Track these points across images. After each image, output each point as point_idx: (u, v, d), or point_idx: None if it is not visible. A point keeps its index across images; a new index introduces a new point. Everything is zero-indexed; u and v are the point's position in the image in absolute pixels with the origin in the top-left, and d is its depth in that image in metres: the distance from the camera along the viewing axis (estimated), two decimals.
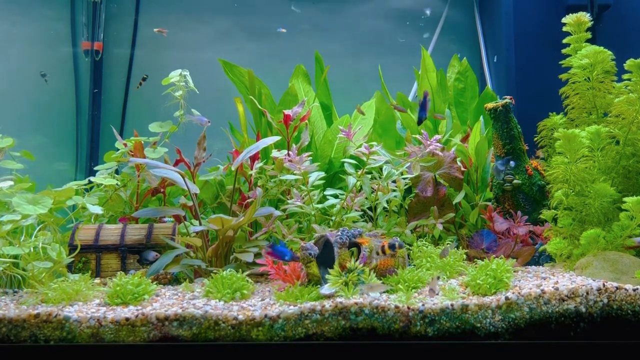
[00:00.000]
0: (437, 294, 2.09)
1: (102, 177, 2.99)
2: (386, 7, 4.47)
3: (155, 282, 2.29)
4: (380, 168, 2.94)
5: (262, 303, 2.11)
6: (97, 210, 2.64)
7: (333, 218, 2.84)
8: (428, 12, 4.05)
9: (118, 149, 3.12)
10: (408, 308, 1.97)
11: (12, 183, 2.50)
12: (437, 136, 2.91)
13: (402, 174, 2.92)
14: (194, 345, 1.95)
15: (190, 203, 2.96)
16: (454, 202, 3.01)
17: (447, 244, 2.69)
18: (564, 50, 3.00)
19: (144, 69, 4.24)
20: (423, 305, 1.98)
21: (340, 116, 3.65)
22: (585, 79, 2.87)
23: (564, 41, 2.99)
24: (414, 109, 3.75)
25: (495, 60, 3.94)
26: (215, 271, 2.30)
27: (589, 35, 2.96)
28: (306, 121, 3.08)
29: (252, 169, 2.96)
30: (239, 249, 2.68)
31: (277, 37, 4.37)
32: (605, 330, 1.98)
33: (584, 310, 1.99)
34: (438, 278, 2.09)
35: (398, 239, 2.44)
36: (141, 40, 4.29)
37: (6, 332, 1.96)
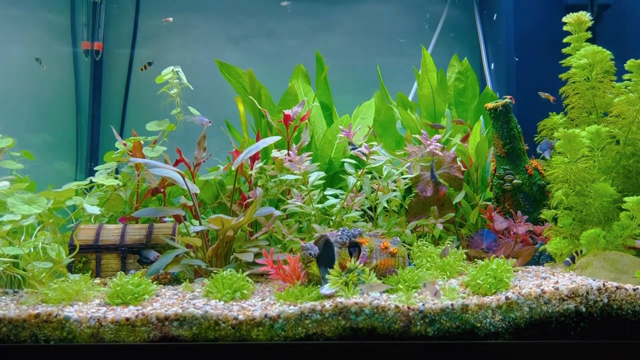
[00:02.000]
0: (439, 295, 2.08)
1: (103, 177, 2.99)
2: (386, 6, 4.47)
3: (155, 282, 2.29)
4: (381, 168, 2.94)
5: (262, 303, 2.11)
6: (95, 211, 2.64)
7: (333, 218, 2.84)
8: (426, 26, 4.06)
9: (118, 149, 3.12)
10: (408, 308, 1.97)
11: (8, 183, 2.50)
12: (437, 136, 2.91)
13: (402, 173, 2.92)
14: (194, 345, 1.95)
15: (190, 203, 2.96)
16: (454, 202, 3.01)
17: (448, 243, 2.69)
18: (564, 50, 3.00)
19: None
20: (423, 305, 1.98)
21: (340, 116, 3.65)
22: (584, 79, 2.87)
23: (565, 40, 2.99)
24: (414, 108, 3.76)
25: (492, 67, 3.93)
26: (215, 271, 2.30)
27: (589, 34, 2.96)
28: (306, 121, 3.08)
29: (252, 169, 2.96)
30: (239, 249, 2.68)
31: (277, 37, 4.37)
32: (606, 330, 1.98)
33: (584, 310, 1.99)
34: (434, 284, 2.07)
35: (398, 238, 2.44)
36: (141, 40, 4.30)
37: (6, 332, 1.96)
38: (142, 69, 3.74)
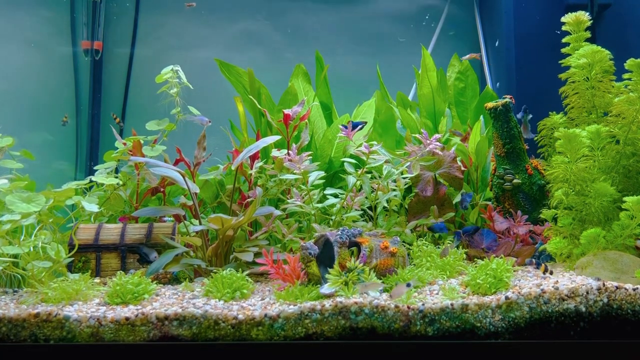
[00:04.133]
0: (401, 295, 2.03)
1: (103, 176, 2.99)
2: (386, 6, 4.47)
3: (155, 282, 2.29)
4: (380, 167, 2.94)
5: (262, 302, 2.11)
6: (94, 208, 2.64)
7: (333, 217, 2.84)
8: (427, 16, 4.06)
9: (118, 148, 3.12)
10: (408, 307, 1.97)
11: (7, 181, 2.50)
12: (437, 135, 2.91)
13: (402, 173, 2.92)
14: (194, 345, 1.95)
15: (190, 202, 2.96)
16: (454, 202, 3.01)
17: (448, 243, 2.69)
18: (563, 50, 3.00)
19: (144, 68, 4.24)
20: (423, 304, 1.98)
21: (340, 115, 3.65)
22: (584, 79, 2.87)
23: (564, 40, 2.99)
24: (414, 108, 3.75)
25: (497, 45, 3.89)
26: (215, 270, 2.30)
27: (588, 34, 2.95)
28: (306, 120, 3.08)
29: (252, 169, 2.96)
30: (238, 249, 2.68)
31: (277, 37, 4.36)
32: (605, 330, 1.98)
33: (583, 309, 1.99)
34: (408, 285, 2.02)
35: (397, 238, 2.44)
36: (141, 39, 4.29)
37: (6, 332, 1.96)
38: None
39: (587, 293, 2.00)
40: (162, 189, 3.09)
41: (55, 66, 4.16)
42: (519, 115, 2.99)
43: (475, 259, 2.53)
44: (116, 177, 3.00)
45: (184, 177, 2.63)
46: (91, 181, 2.96)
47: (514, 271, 2.40)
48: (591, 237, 2.44)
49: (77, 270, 2.59)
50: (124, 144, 3.09)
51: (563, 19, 2.98)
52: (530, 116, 2.91)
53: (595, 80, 2.84)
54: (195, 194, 2.74)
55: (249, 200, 2.91)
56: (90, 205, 2.63)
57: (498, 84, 3.99)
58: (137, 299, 2.13)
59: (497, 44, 3.91)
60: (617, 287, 2.01)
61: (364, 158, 2.80)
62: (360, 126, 3.00)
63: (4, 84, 4.01)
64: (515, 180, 2.96)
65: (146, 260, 2.58)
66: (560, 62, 2.98)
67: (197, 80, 3.33)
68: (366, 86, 4.07)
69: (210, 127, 3.14)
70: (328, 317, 1.96)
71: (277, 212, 2.71)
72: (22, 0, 4.08)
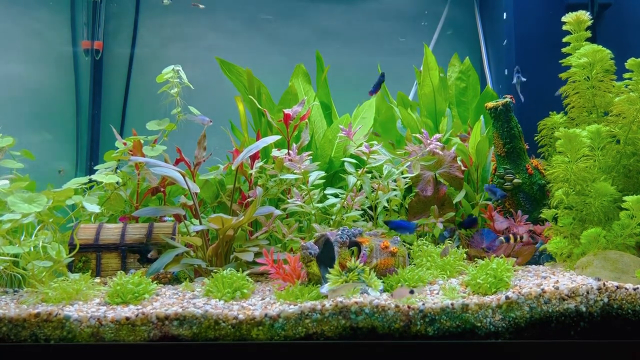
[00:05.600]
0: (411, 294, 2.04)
1: (103, 174, 2.98)
2: (387, 6, 4.46)
3: (155, 282, 2.29)
4: (381, 167, 2.94)
5: (263, 302, 2.11)
6: (95, 209, 2.64)
7: (333, 217, 2.84)
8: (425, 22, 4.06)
9: (118, 148, 3.12)
10: (408, 307, 1.97)
11: (8, 182, 2.50)
12: (437, 135, 2.91)
13: (402, 173, 2.92)
14: (194, 345, 1.95)
15: (190, 202, 2.96)
16: (454, 201, 3.01)
17: (448, 243, 2.69)
18: (564, 49, 3.00)
19: (144, 68, 4.24)
20: (423, 304, 1.98)
21: (340, 115, 3.64)
22: (584, 78, 2.86)
23: (564, 40, 2.99)
24: (414, 107, 3.75)
25: (504, 44, 3.88)
26: (215, 270, 2.30)
27: (588, 34, 2.95)
28: (306, 120, 3.08)
29: (252, 168, 2.96)
30: (239, 248, 2.68)
31: (278, 37, 4.37)
32: (606, 330, 1.98)
33: (584, 309, 1.99)
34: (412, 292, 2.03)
35: (398, 238, 2.44)
36: (141, 39, 4.29)
37: (6, 332, 1.96)
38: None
39: (588, 293, 2.00)
40: (162, 189, 3.09)
41: (55, 66, 4.15)
42: (514, 81, 2.99)
43: (476, 259, 2.53)
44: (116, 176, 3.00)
45: (184, 177, 2.63)
46: (91, 180, 2.96)
47: (515, 271, 2.40)
48: (591, 236, 2.44)
49: (77, 270, 2.59)
50: (124, 143, 3.09)
51: (563, 19, 2.98)
52: (524, 79, 2.91)
53: (596, 79, 2.84)
54: (196, 193, 2.74)
55: (249, 200, 2.91)
56: (92, 206, 2.63)
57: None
58: (138, 299, 2.13)
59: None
60: (617, 287, 2.01)
61: (365, 158, 2.80)
62: (379, 84, 2.99)
63: (4, 83, 4.01)
64: (515, 180, 2.96)
65: (148, 260, 2.58)
66: (560, 61, 2.98)
67: (198, 80, 3.33)
68: (366, 86, 4.06)
69: (210, 127, 3.14)
70: (328, 317, 1.96)
71: (278, 212, 2.71)
72: (22, 0, 4.08)
